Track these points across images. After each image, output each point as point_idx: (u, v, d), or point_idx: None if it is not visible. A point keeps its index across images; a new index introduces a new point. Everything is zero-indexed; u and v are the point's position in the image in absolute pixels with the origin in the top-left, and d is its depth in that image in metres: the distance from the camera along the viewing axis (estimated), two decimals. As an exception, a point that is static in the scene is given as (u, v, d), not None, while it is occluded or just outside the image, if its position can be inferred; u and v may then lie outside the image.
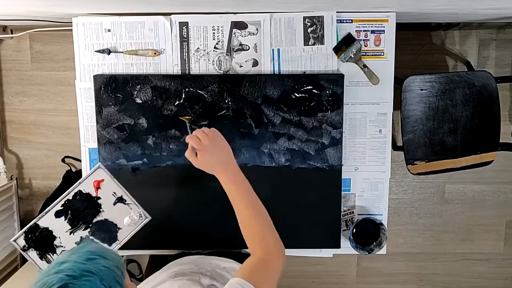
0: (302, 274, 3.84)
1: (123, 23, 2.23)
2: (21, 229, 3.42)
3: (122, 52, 2.24)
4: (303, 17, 2.23)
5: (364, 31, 2.26)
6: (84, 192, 2.10)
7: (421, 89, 2.80)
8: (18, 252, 3.50)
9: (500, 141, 2.96)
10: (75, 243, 2.09)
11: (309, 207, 2.31)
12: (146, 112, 2.23)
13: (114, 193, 2.12)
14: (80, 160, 2.48)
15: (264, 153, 2.26)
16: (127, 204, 2.13)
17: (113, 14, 2.26)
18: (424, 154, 2.87)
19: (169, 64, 2.25)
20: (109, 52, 2.23)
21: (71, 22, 2.25)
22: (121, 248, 2.17)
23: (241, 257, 2.00)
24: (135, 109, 2.23)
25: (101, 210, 2.11)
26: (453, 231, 3.76)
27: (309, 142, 2.26)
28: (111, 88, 2.22)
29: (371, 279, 3.87)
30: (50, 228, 2.07)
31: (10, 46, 3.50)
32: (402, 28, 2.40)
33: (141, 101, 2.22)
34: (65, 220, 2.09)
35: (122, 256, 3.10)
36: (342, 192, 2.33)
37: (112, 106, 2.23)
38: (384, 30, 2.27)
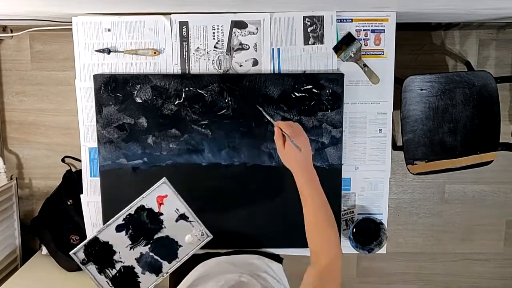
0: (302, 274, 3.83)
1: (123, 22, 2.23)
2: (21, 228, 3.45)
3: (122, 52, 2.24)
4: (303, 16, 2.23)
5: (364, 30, 2.26)
6: (146, 207, 2.06)
7: (421, 89, 2.80)
8: (18, 252, 3.51)
9: (500, 141, 2.96)
10: (135, 259, 2.06)
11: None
12: (146, 112, 2.23)
13: (177, 209, 2.08)
14: (80, 160, 2.49)
15: (264, 152, 2.26)
16: (190, 221, 2.10)
17: (113, 14, 2.26)
18: (424, 154, 2.87)
19: (169, 64, 2.25)
20: (109, 51, 2.23)
21: (71, 22, 2.25)
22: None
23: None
24: (135, 108, 2.23)
25: (163, 226, 2.08)
26: (453, 231, 3.77)
27: (309, 141, 2.25)
28: (111, 88, 2.22)
29: (371, 279, 3.87)
30: (110, 243, 2.04)
31: (10, 45, 3.50)
32: (402, 28, 2.39)
33: (141, 101, 2.22)
34: (125, 235, 2.05)
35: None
36: (342, 192, 2.33)
37: (112, 106, 2.23)
38: (384, 30, 2.27)
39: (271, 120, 2.05)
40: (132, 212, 2.04)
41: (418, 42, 3.47)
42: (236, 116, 2.23)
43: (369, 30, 2.26)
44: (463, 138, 2.88)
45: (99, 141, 2.25)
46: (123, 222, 2.04)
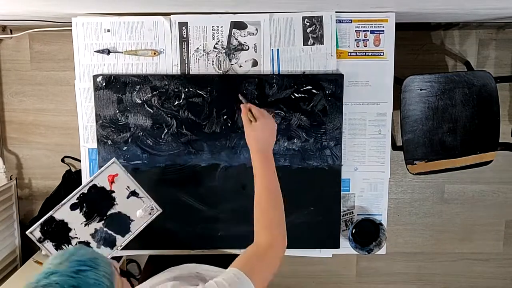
0: (302, 274, 3.83)
1: (123, 23, 2.23)
2: (21, 229, 3.44)
3: (122, 52, 2.24)
4: (302, 17, 2.23)
5: (363, 31, 2.26)
6: (98, 186, 2.14)
7: (421, 89, 2.80)
8: (18, 252, 3.51)
9: (500, 141, 2.96)
10: (90, 234, 2.16)
11: (309, 207, 2.31)
12: (145, 112, 2.23)
13: (128, 187, 2.17)
14: (79, 160, 2.49)
15: (263, 153, 2.26)
16: (140, 197, 2.18)
17: (112, 14, 2.26)
18: (424, 154, 2.87)
19: (169, 64, 2.26)
20: (108, 52, 2.23)
21: (71, 22, 2.25)
22: (122, 248, 2.21)
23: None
24: (134, 109, 2.23)
25: (115, 203, 2.17)
26: (452, 231, 3.77)
27: (309, 142, 2.26)
28: (110, 88, 2.23)
29: (370, 279, 3.87)
30: (65, 220, 2.12)
31: (10, 46, 3.50)
32: (401, 28, 2.40)
33: (140, 101, 2.22)
34: (80, 212, 2.14)
35: (121, 256, 3.11)
36: (342, 192, 2.34)
37: (112, 106, 2.23)
38: (383, 30, 2.27)
39: (244, 100, 2.12)
40: (85, 191, 2.14)
41: (417, 42, 3.46)
42: (236, 116, 2.24)
43: (368, 31, 2.26)
44: (463, 138, 2.88)
45: (98, 141, 2.26)
46: (77, 201, 2.13)
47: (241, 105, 2.01)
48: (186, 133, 2.24)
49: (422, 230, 3.77)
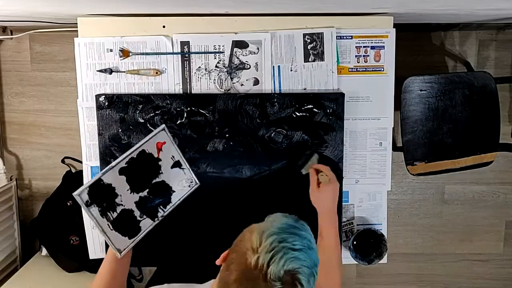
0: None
1: (125, 43, 2.24)
2: (20, 229, 3.45)
3: (124, 72, 2.24)
4: (303, 34, 2.23)
5: (364, 47, 2.27)
6: (147, 152, 2.08)
7: (421, 90, 2.81)
8: (18, 253, 3.52)
9: (500, 141, 2.97)
10: (134, 202, 2.06)
11: (310, 219, 2.31)
12: (148, 132, 2.21)
13: (173, 156, 2.15)
14: (80, 161, 2.50)
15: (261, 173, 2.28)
16: (182, 169, 2.18)
17: (113, 14, 2.26)
18: (424, 155, 2.88)
19: (171, 84, 2.26)
20: (111, 71, 2.24)
21: (71, 23, 2.26)
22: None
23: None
24: (137, 128, 2.25)
25: (161, 171, 2.13)
26: (453, 231, 3.79)
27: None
28: (113, 108, 2.24)
29: (370, 280, 3.89)
30: (113, 185, 2.00)
31: (10, 47, 3.49)
32: (401, 28, 2.40)
33: (143, 121, 2.23)
34: (127, 177, 2.04)
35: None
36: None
37: (114, 126, 2.24)
38: (384, 46, 2.28)
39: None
40: (135, 156, 2.05)
41: (417, 42, 3.46)
42: (238, 135, 2.26)
43: (369, 46, 2.27)
44: (463, 139, 2.89)
45: (101, 160, 2.27)
46: (126, 165, 2.02)
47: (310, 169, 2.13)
48: (188, 151, 2.25)
49: (423, 231, 3.79)
